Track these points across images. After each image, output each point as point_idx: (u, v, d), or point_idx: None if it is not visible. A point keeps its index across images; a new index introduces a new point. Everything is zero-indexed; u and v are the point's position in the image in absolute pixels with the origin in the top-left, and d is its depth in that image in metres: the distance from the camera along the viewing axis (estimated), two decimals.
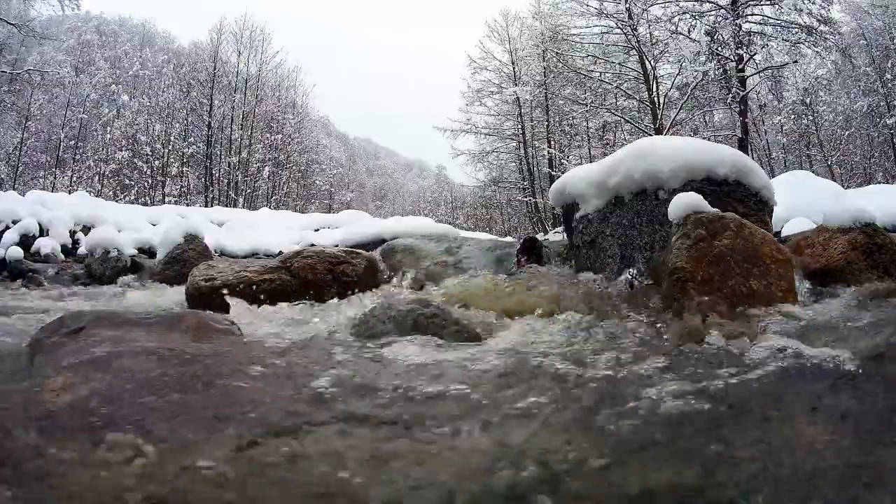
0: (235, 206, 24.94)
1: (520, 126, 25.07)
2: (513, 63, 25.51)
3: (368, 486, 0.72)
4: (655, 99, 18.31)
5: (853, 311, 1.65)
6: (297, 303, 2.48)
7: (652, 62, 18.49)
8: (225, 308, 2.38)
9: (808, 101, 23.78)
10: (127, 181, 29.39)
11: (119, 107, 29.98)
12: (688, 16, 17.49)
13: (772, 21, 17.30)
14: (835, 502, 0.70)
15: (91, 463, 0.74)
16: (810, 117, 24.97)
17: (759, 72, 17.68)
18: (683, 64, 17.08)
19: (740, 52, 16.57)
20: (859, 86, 23.15)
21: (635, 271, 2.49)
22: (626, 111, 20.75)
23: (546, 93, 23.33)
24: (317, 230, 10.89)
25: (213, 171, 29.08)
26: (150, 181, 29.95)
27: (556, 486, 0.72)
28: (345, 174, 43.10)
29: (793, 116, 24.71)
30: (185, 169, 30.36)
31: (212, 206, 24.24)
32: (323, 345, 1.49)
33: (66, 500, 0.67)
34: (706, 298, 1.76)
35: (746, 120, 17.49)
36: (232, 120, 29.58)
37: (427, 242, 3.78)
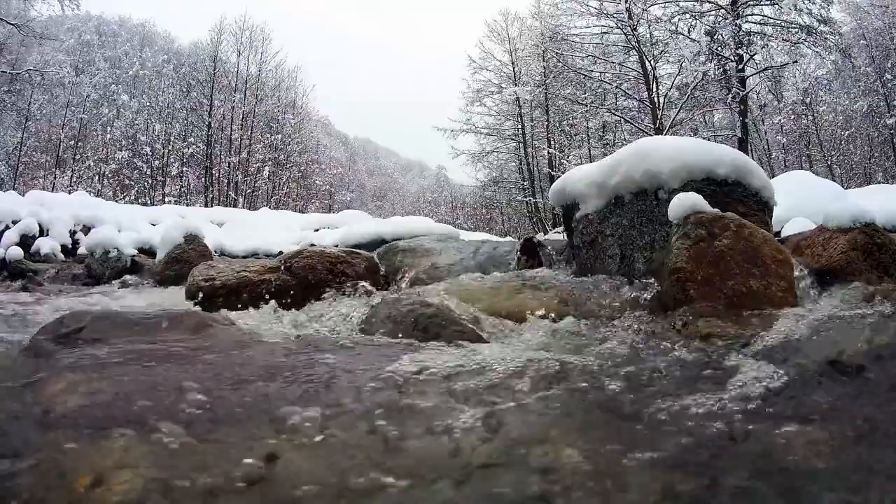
0: (235, 206, 24.93)
1: (520, 126, 25.07)
2: (513, 63, 25.52)
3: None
4: (655, 99, 18.32)
5: (853, 311, 1.65)
6: (296, 303, 2.49)
7: (652, 62, 18.51)
8: (225, 307, 2.39)
9: (808, 101, 23.80)
10: (127, 181, 29.41)
11: (119, 107, 29.99)
12: (688, 16, 17.51)
13: (772, 21, 17.31)
14: (834, 502, 0.70)
15: (92, 467, 0.74)
16: (810, 117, 25.00)
17: (759, 72, 17.69)
18: (683, 64, 17.10)
19: (740, 52, 16.59)
20: (859, 86, 23.16)
21: (635, 271, 2.50)
22: (626, 111, 20.76)
23: (546, 93, 23.34)
24: (317, 230, 10.91)
25: (213, 171, 29.08)
26: (150, 181, 29.97)
27: (553, 488, 0.72)
28: (345, 174, 43.12)
29: (793, 116, 24.72)
30: (185, 169, 30.37)
31: (212, 206, 24.24)
32: (323, 345, 1.49)
33: None
34: (706, 299, 1.76)
35: (746, 120, 17.51)
36: (232, 120, 29.59)
37: (427, 242, 3.78)
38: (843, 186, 9.08)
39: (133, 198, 27.83)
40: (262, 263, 2.95)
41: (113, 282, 4.95)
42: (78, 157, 29.07)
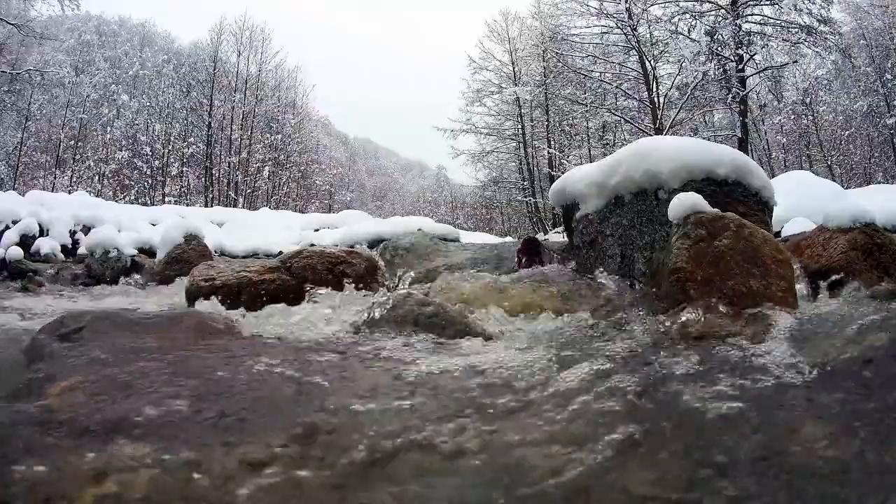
0: (235, 206, 24.91)
1: (520, 126, 25.07)
2: (513, 63, 25.51)
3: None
4: (655, 99, 18.33)
5: (852, 312, 1.65)
6: (296, 303, 2.48)
7: (652, 62, 18.51)
8: (225, 307, 2.38)
9: (808, 101, 23.80)
10: (127, 181, 29.40)
11: (119, 107, 29.99)
12: (688, 16, 17.51)
13: (772, 21, 17.31)
14: (832, 502, 0.70)
15: (91, 467, 0.74)
16: (810, 117, 25.00)
17: (759, 72, 17.69)
18: (683, 64, 17.11)
19: (740, 52, 16.60)
20: (859, 86, 23.15)
21: (635, 271, 2.50)
22: (626, 111, 20.76)
23: (546, 93, 23.33)
24: (317, 230, 10.91)
25: (213, 171, 29.07)
26: (150, 181, 29.95)
27: (555, 487, 0.72)
28: (345, 174, 43.09)
29: (793, 116, 24.72)
30: (185, 169, 30.36)
31: (212, 206, 24.23)
32: (323, 345, 1.49)
33: None
34: (706, 299, 1.76)
35: (746, 120, 17.51)
36: (232, 120, 29.57)
37: (427, 242, 3.78)
38: (843, 186, 9.09)
39: (133, 198, 27.82)
40: (262, 263, 2.95)
41: (113, 282, 4.95)
42: (78, 157, 29.06)
